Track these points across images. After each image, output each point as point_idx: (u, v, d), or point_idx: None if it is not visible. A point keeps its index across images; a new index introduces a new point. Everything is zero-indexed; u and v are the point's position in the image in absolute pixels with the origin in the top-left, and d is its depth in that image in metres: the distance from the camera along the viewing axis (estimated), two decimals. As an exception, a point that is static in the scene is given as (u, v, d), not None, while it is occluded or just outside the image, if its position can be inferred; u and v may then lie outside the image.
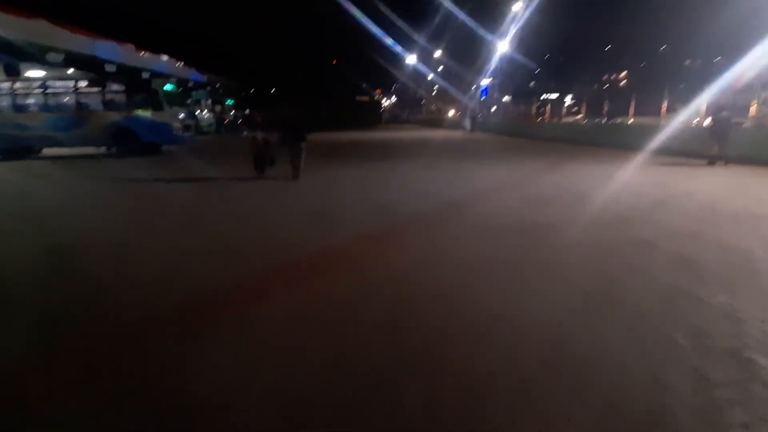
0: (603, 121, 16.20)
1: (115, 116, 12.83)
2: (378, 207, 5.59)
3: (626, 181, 7.31)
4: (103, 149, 13.21)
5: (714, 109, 9.14)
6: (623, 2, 40.76)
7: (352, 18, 35.72)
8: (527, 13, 27.91)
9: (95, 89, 13.22)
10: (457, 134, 24.34)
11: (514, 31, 29.46)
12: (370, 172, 9.08)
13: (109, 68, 16.38)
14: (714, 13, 25.61)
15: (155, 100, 13.04)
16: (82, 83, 13.20)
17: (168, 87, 14.09)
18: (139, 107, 13.03)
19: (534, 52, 41.52)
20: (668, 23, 35.99)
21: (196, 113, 19.98)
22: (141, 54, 20.69)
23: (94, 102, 13.22)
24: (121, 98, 13.20)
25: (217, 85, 42.12)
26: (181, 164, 11.20)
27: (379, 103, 52.01)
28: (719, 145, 8.72)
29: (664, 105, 11.96)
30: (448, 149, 15.31)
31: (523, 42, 32.30)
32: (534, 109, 23.37)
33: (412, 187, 7.07)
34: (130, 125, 12.79)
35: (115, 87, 13.32)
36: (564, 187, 6.78)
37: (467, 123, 26.50)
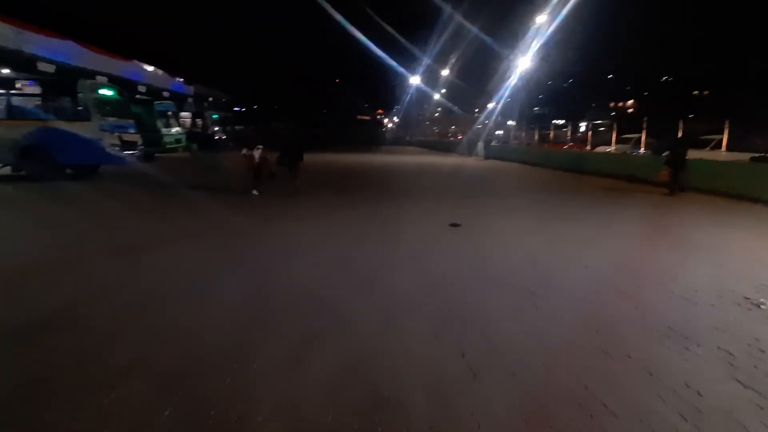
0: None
1: (22, 128, 9.42)
2: (357, 398, 2.03)
3: None
4: (7, 170, 9.73)
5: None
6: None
7: (357, 38, 33.32)
8: (543, 37, 25.35)
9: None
10: (469, 161, 21.05)
11: (532, 51, 26.82)
12: (364, 235, 5.47)
13: (45, 67, 13.20)
14: None
15: (80, 108, 9.65)
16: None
17: (107, 92, 10.73)
18: (59, 116, 9.66)
19: (539, 77, 38.78)
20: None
21: (160, 127, 16.66)
22: (107, 58, 17.69)
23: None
24: (35, 104, 9.82)
25: (210, 99, 39.29)
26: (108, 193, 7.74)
27: (381, 123, 49.33)
28: (673, 175, 8.95)
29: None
30: (470, 185, 11.80)
31: (532, 66, 29.54)
32: (568, 135, 19.99)
33: (434, 289, 3.50)
34: (41, 140, 9.38)
35: (26, 90, 9.96)
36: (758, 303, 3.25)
37: (480, 148, 23.30)
